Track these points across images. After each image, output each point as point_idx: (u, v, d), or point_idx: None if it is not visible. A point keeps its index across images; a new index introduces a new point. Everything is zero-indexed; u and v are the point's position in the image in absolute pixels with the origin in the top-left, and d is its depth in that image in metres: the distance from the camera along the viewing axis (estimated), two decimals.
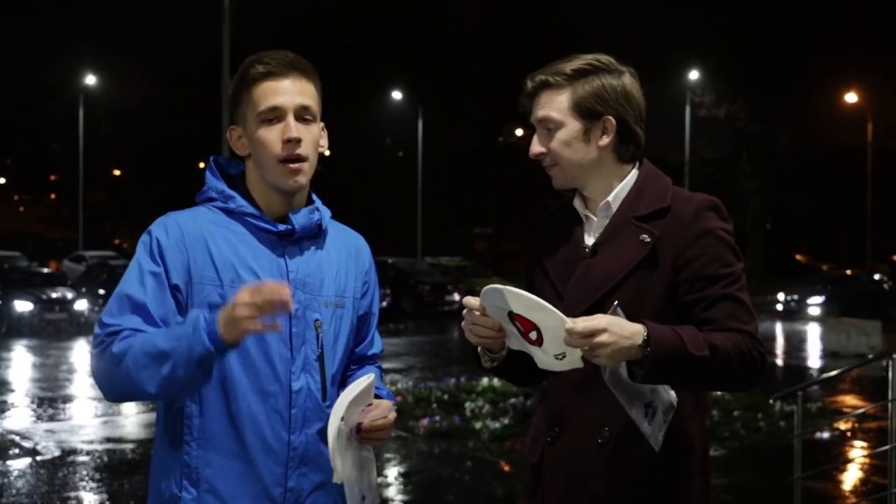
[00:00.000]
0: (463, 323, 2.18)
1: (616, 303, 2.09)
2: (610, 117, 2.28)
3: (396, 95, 46.91)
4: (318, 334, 2.23)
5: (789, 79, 42.86)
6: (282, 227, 2.22)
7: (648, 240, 2.21)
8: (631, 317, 2.13)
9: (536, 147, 2.31)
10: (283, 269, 2.21)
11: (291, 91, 2.19)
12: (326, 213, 2.33)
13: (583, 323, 2.01)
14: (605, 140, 2.28)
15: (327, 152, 2.34)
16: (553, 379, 2.28)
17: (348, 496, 2.14)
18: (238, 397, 2.15)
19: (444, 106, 47.46)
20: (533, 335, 2.07)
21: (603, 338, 2.01)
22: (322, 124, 2.30)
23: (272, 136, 2.18)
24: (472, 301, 2.13)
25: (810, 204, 48.78)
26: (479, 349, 2.28)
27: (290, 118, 2.19)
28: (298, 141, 2.18)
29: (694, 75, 41.09)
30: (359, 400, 2.12)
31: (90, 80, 41.86)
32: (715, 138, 42.75)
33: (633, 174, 2.32)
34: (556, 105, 2.28)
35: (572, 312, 2.17)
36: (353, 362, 2.40)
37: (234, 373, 2.15)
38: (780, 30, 44.06)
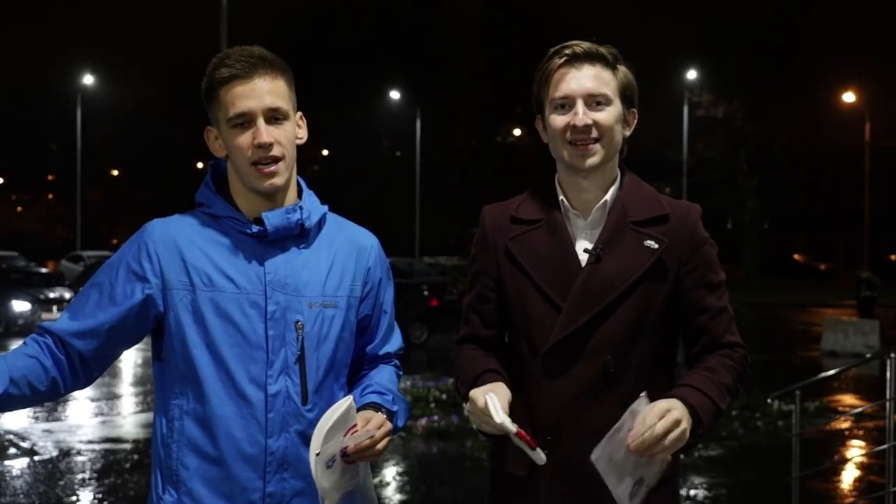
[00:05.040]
0: (471, 416, 2.18)
1: (644, 394, 2.02)
2: (635, 109, 2.28)
3: (395, 95, 46.92)
4: (299, 336, 2.17)
5: (787, 78, 42.87)
6: (255, 228, 2.19)
7: (656, 246, 2.19)
8: (636, 325, 2.16)
9: (585, 118, 2.18)
10: (260, 272, 2.17)
11: (259, 93, 2.14)
12: (318, 211, 2.27)
13: (662, 422, 1.98)
14: (628, 132, 2.27)
15: (303, 141, 2.28)
16: (538, 390, 2.20)
17: None
18: (212, 400, 2.12)
19: (442, 106, 47.48)
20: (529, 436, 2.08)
21: (684, 424, 2.01)
22: (300, 114, 2.26)
23: (243, 140, 2.15)
24: (480, 401, 2.13)
25: (808, 203, 48.83)
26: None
27: (260, 122, 2.14)
28: (270, 145, 2.14)
29: (692, 75, 41.16)
30: (338, 426, 2.05)
31: (88, 79, 41.90)
32: (713, 138, 42.79)
33: (619, 175, 2.29)
34: (607, 82, 2.21)
35: (576, 321, 2.15)
36: (367, 362, 2.36)
37: (207, 375, 2.13)
38: (777, 29, 44.05)
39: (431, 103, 46.37)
